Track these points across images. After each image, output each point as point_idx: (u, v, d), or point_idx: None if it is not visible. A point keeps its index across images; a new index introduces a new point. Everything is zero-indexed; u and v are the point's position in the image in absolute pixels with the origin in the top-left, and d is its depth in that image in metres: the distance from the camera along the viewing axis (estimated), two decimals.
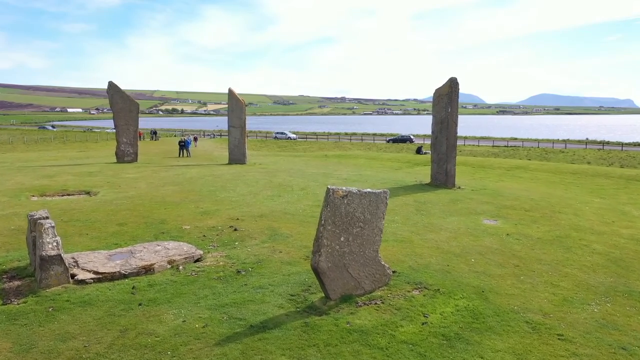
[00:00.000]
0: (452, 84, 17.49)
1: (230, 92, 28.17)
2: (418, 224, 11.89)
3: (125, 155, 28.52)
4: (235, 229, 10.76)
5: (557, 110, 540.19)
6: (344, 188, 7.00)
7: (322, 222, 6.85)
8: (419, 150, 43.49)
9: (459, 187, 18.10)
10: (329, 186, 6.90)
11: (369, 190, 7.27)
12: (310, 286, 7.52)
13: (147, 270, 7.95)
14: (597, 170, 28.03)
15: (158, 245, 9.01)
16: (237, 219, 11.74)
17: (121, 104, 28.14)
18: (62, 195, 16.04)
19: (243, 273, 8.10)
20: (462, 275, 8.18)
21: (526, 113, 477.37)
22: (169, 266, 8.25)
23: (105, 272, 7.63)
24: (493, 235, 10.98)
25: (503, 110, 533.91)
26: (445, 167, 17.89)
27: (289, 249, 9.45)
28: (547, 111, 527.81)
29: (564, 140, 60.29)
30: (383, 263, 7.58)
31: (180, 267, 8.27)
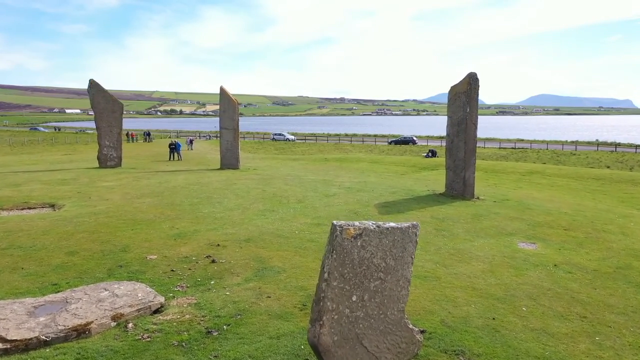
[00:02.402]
0: (471, 80, 15.26)
1: (222, 91, 25.93)
2: (442, 249, 9.65)
3: (108, 159, 26.26)
4: (214, 261, 8.51)
5: (557, 111, 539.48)
6: (356, 224, 4.76)
7: (325, 275, 4.62)
8: (433, 154, 41.57)
9: (478, 198, 15.88)
10: (334, 222, 4.66)
11: (392, 224, 5.03)
12: (307, 359, 5.29)
13: (81, 332, 5.70)
14: (621, 176, 25.84)
15: (105, 290, 6.76)
16: (218, 244, 9.48)
17: (103, 104, 25.87)
18: (22, 209, 13.80)
19: (215, 334, 5.86)
20: (517, 336, 5.94)
21: (526, 113, 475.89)
22: (113, 324, 6.01)
23: (16, 340, 5.38)
24: (537, 266, 8.75)
25: (503, 110, 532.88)
26: (464, 175, 15.65)
27: (280, 291, 7.20)
28: (547, 112, 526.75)
29: (573, 142, 58.09)
30: (411, 327, 5.34)
31: (130, 325, 6.02)
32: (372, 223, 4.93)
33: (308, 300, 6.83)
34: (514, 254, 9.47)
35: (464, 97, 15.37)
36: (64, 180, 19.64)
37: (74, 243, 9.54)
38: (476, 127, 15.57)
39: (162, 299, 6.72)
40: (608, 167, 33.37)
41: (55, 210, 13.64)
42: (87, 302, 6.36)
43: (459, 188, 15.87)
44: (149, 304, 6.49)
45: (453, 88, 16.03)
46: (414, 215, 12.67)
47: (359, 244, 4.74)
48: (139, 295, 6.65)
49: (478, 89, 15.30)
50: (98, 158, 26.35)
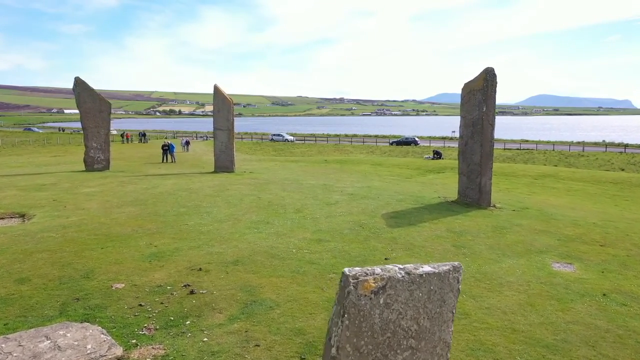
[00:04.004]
0: (488, 75, 13.79)
1: (216, 89, 24.43)
2: (465, 273, 8.16)
3: (95, 162, 24.76)
4: (192, 291, 7.00)
5: (557, 111, 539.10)
6: (377, 271, 3.28)
7: (333, 350, 3.14)
8: (438, 155, 40.08)
9: (494, 206, 14.42)
10: (346, 270, 3.17)
11: (426, 269, 3.54)
12: None
13: None
14: None
15: (46, 339, 5.26)
16: (200, 268, 7.98)
17: (90, 103, 24.38)
18: None
19: None
20: None
21: (525, 114, 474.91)
22: None
23: None
24: (583, 296, 7.27)
25: (502, 110, 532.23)
26: (479, 181, 14.17)
27: (272, 336, 5.71)
28: (546, 112, 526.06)
29: (580, 143, 56.63)
30: None
31: None
32: (399, 268, 3.44)
33: (307, 350, 5.36)
34: (551, 279, 7.98)
35: (480, 94, 13.89)
36: (43, 185, 18.13)
37: (29, 267, 8.03)
38: (493, 128, 14.10)
39: (119, 351, 5.22)
40: (622, 169, 31.89)
41: (24, 221, 12.15)
42: (20, 358, 4.86)
43: (473, 195, 14.40)
44: (101, 359, 4.99)
45: (467, 85, 14.56)
46: (427, 228, 11.19)
47: (381, 302, 3.25)
48: (89, 346, 5.15)
49: (495, 86, 13.85)
50: (84, 161, 24.87)
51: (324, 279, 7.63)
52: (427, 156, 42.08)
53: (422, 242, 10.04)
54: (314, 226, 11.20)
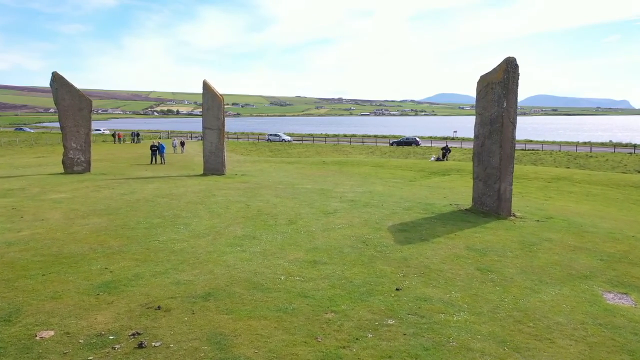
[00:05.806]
0: (509, 66, 12.04)
1: (206, 85, 22.66)
2: (499, 310, 6.39)
3: (75, 164, 22.95)
4: (141, 344, 5.21)
5: (555, 111, 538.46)
6: None
7: None
8: (444, 154, 38.18)
9: (514, 215, 12.68)
10: None
11: None
12: None
13: None
14: None
15: None
16: (159, 307, 6.19)
17: (69, 100, 22.56)
18: None
19: None
20: None
21: (524, 114, 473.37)
22: None
23: None
24: None
25: None
26: (498, 187, 12.42)
27: None
28: (545, 112, 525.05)
29: (586, 143, 54.94)
30: None
31: None
32: None
33: None
34: (610, 319, 6.22)
35: (500, 88, 12.14)
36: (9, 191, 16.33)
37: None
38: (515, 127, 12.34)
39: None
40: (639, 171, 30.19)
41: None
42: None
43: (491, 203, 12.64)
44: None
45: (483, 78, 12.81)
46: (443, 245, 9.42)
47: None
48: None
49: (518, 78, 12.10)
50: (63, 162, 23.08)
51: (319, 321, 5.86)
52: (433, 157, 40.15)
53: (439, 263, 8.28)
54: (308, 242, 9.43)
